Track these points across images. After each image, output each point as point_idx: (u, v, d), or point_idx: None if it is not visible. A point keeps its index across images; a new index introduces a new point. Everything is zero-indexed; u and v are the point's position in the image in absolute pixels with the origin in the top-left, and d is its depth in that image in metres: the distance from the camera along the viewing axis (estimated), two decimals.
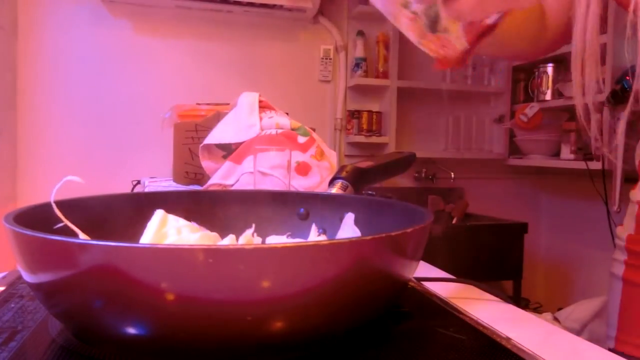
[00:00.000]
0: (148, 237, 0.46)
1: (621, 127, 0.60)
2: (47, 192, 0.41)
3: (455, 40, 0.41)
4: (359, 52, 2.25)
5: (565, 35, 0.60)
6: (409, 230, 0.35)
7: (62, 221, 0.41)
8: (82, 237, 0.41)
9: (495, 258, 2.10)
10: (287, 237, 0.55)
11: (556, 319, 1.62)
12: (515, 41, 0.62)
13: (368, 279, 0.34)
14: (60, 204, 0.43)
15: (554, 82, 2.22)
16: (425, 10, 0.40)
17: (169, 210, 0.50)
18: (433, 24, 0.40)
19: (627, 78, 1.55)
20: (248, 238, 0.52)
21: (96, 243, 0.29)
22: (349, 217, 0.53)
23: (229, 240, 0.50)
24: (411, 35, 0.42)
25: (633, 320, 0.60)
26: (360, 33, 2.26)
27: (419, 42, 0.42)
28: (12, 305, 0.44)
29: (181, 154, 1.08)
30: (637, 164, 0.63)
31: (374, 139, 2.26)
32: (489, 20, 0.39)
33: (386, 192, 2.19)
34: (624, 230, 0.64)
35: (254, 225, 0.54)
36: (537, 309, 2.32)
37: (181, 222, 0.49)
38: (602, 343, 0.62)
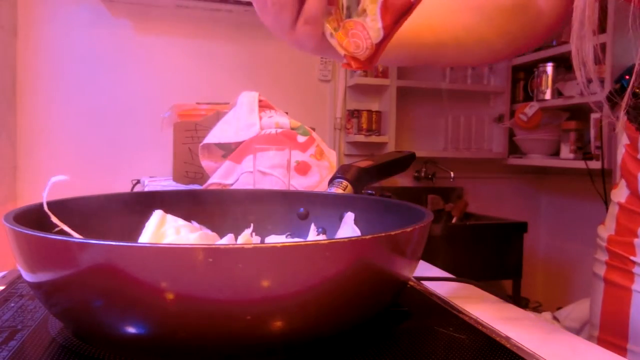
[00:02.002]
0: (146, 236, 0.46)
1: (620, 125, 0.60)
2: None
3: (371, 24, 0.38)
4: None
5: (563, 15, 0.58)
6: (408, 229, 0.35)
7: (61, 221, 0.41)
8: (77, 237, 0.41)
9: (494, 257, 2.10)
10: (287, 236, 0.55)
11: (555, 319, 1.62)
12: (494, 40, 0.59)
13: (368, 278, 0.34)
14: (59, 203, 0.43)
15: (554, 81, 2.22)
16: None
17: (169, 209, 0.49)
18: (353, 6, 0.38)
19: (627, 77, 1.55)
20: (246, 238, 0.52)
21: (95, 242, 0.29)
22: (349, 217, 0.53)
23: (227, 240, 0.50)
24: (327, 27, 0.40)
25: (614, 321, 0.60)
26: None
27: (331, 35, 0.40)
28: (12, 305, 0.44)
29: (181, 154, 1.08)
30: (619, 164, 0.63)
31: (374, 139, 2.26)
32: None
33: (386, 191, 2.19)
34: (605, 231, 0.64)
35: (252, 226, 0.54)
36: (537, 309, 2.33)
37: (180, 222, 0.49)
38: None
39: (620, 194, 0.62)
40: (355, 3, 0.38)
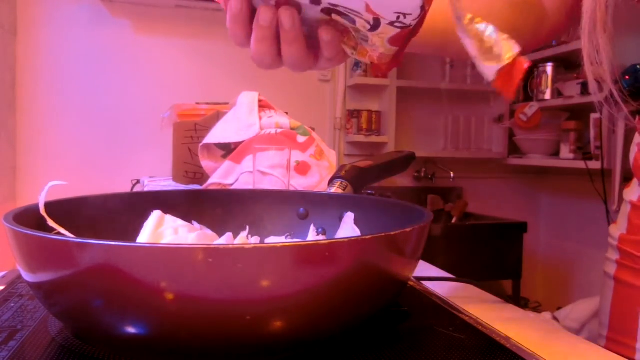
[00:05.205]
0: (144, 237, 0.45)
1: (620, 126, 0.60)
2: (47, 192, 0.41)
3: (382, 49, 0.40)
4: None
5: (567, 16, 0.58)
6: (408, 229, 0.35)
7: (59, 222, 0.41)
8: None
9: (494, 257, 2.10)
10: (287, 237, 0.55)
11: (555, 319, 1.62)
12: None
13: (367, 279, 0.34)
14: (58, 204, 0.43)
15: (554, 81, 2.22)
16: (354, 30, 0.40)
17: (168, 209, 0.49)
18: (364, 38, 0.40)
19: (627, 77, 1.55)
20: (243, 240, 0.52)
21: (95, 242, 0.29)
22: (349, 217, 0.53)
23: (226, 238, 0.50)
24: (346, 49, 0.42)
25: (624, 320, 0.59)
26: None
27: (352, 53, 0.43)
28: (12, 305, 0.44)
29: (180, 154, 1.08)
30: (632, 163, 0.63)
31: (374, 139, 2.26)
32: (408, 22, 0.36)
33: (385, 191, 2.19)
34: (617, 229, 0.64)
35: (247, 228, 0.54)
36: (536, 309, 2.33)
37: (179, 222, 0.49)
38: (601, 342, 0.62)
39: (632, 192, 0.62)
40: (364, 35, 0.39)
